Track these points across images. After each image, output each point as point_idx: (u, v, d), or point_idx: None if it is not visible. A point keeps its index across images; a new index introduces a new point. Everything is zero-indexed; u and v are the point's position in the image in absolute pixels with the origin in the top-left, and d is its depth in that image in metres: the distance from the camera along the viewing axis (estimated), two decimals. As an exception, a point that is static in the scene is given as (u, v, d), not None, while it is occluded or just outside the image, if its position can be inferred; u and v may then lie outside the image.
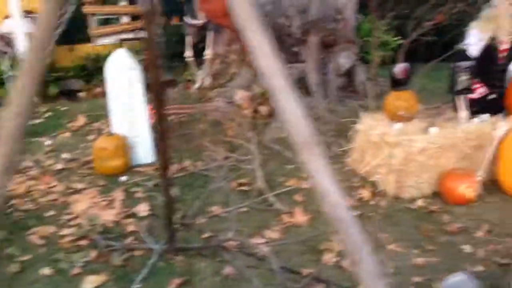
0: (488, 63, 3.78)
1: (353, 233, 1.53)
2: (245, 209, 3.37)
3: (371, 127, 3.65)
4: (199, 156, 4.25)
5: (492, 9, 3.66)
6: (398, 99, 3.64)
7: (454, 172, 3.36)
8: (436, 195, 3.45)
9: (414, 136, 3.41)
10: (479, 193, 3.45)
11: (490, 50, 3.72)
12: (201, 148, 4.30)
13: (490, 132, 3.51)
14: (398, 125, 3.59)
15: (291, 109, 1.54)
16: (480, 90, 3.83)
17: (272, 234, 3.05)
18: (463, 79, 3.42)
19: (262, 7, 6.25)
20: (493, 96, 3.80)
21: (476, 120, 3.63)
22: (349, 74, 5.66)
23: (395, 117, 3.69)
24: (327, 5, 5.46)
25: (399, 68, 3.65)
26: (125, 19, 9.00)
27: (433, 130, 3.45)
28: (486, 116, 3.69)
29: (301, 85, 5.63)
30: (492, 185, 3.54)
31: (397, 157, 3.35)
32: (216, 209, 3.37)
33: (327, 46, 5.43)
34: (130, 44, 9.01)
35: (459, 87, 3.45)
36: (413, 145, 3.33)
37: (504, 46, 3.71)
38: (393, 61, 7.95)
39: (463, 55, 3.49)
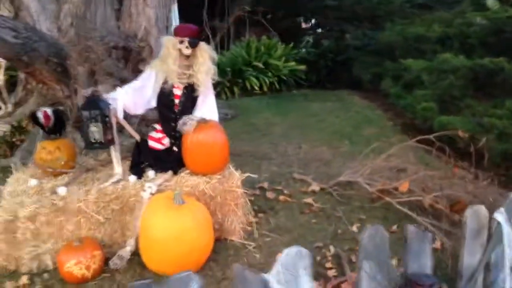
0: (165, 110, 3.25)
1: None
2: None
3: (11, 183, 3.07)
4: None
5: (163, 49, 3.14)
6: (42, 150, 3.08)
7: (70, 244, 2.75)
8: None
9: (28, 198, 2.82)
10: (121, 267, 2.86)
11: (165, 95, 3.19)
12: None
13: (138, 193, 2.93)
14: (34, 182, 3.01)
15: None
16: (164, 141, 3.30)
17: None
18: (93, 130, 2.85)
19: (65, 32, 5.78)
20: (175, 148, 3.26)
21: (132, 177, 3.05)
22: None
23: (43, 171, 3.13)
24: (95, 30, 4.95)
25: (41, 112, 3.08)
26: None
27: (61, 190, 2.86)
28: (152, 173, 3.12)
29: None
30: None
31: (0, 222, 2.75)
32: None
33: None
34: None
35: (91, 139, 2.88)
36: (20, 209, 2.74)
37: (178, 92, 3.18)
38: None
39: (93, 103, 2.90)
